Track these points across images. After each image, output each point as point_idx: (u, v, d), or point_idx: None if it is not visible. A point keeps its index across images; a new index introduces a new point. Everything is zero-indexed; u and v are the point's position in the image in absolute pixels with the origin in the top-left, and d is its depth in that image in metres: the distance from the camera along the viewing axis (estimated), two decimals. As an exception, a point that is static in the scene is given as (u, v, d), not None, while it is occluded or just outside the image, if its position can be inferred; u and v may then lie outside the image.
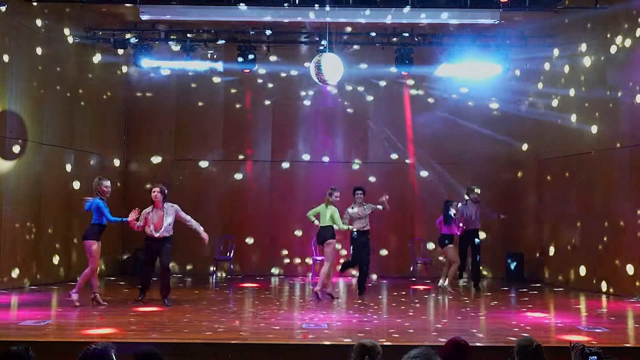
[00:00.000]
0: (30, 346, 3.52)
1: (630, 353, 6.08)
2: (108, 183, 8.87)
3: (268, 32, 12.40)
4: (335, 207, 9.97)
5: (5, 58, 10.28)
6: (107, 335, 6.42)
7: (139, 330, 6.86)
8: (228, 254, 13.15)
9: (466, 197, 11.76)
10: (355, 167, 13.86)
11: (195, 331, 6.85)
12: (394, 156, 13.83)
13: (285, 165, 13.86)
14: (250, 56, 12.53)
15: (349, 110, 13.95)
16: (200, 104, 13.89)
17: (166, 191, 9.04)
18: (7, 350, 3.43)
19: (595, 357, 3.51)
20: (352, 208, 10.47)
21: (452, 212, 11.05)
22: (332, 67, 9.18)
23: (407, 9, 10.83)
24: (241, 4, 10.76)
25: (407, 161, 13.87)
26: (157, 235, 8.85)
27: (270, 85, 13.91)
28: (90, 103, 12.56)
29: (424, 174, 13.79)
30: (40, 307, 8.54)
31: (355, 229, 10.39)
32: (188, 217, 9.07)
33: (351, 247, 10.66)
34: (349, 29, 12.81)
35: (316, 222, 10.22)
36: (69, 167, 11.87)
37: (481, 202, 11.86)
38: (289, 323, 7.52)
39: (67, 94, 11.88)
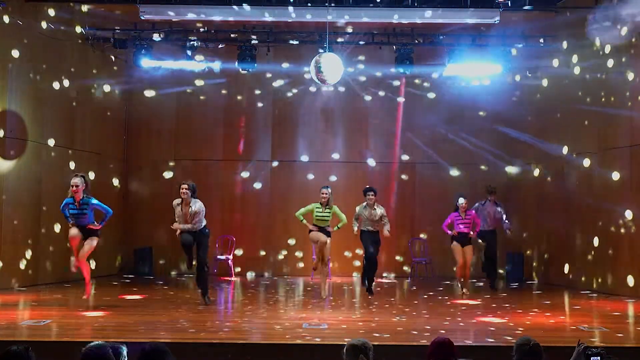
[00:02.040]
0: (30, 346, 3.51)
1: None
2: (72, 181, 8.32)
3: (268, 32, 12.40)
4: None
5: (5, 58, 10.27)
6: (107, 336, 6.41)
7: (138, 331, 6.86)
8: (228, 254, 13.15)
9: (488, 195, 11.48)
10: (355, 166, 13.84)
11: (195, 331, 6.85)
12: (394, 156, 13.83)
13: (285, 164, 13.85)
14: (250, 56, 12.52)
15: (348, 110, 13.94)
16: (200, 104, 13.88)
17: (195, 187, 8.84)
18: (7, 350, 3.42)
19: (598, 358, 3.50)
20: (364, 209, 10.11)
21: (461, 201, 10.27)
22: (331, 67, 9.15)
23: (407, 9, 10.83)
24: (241, 4, 10.75)
25: (407, 160, 13.86)
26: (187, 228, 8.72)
27: (270, 85, 13.90)
28: (91, 103, 12.55)
29: (423, 173, 13.78)
30: (40, 307, 8.54)
31: (364, 228, 10.11)
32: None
33: (362, 241, 10.19)
34: (349, 29, 12.80)
35: (304, 221, 9.94)
36: (69, 167, 11.84)
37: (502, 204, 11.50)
38: (289, 323, 7.51)
39: (67, 93, 11.86)
